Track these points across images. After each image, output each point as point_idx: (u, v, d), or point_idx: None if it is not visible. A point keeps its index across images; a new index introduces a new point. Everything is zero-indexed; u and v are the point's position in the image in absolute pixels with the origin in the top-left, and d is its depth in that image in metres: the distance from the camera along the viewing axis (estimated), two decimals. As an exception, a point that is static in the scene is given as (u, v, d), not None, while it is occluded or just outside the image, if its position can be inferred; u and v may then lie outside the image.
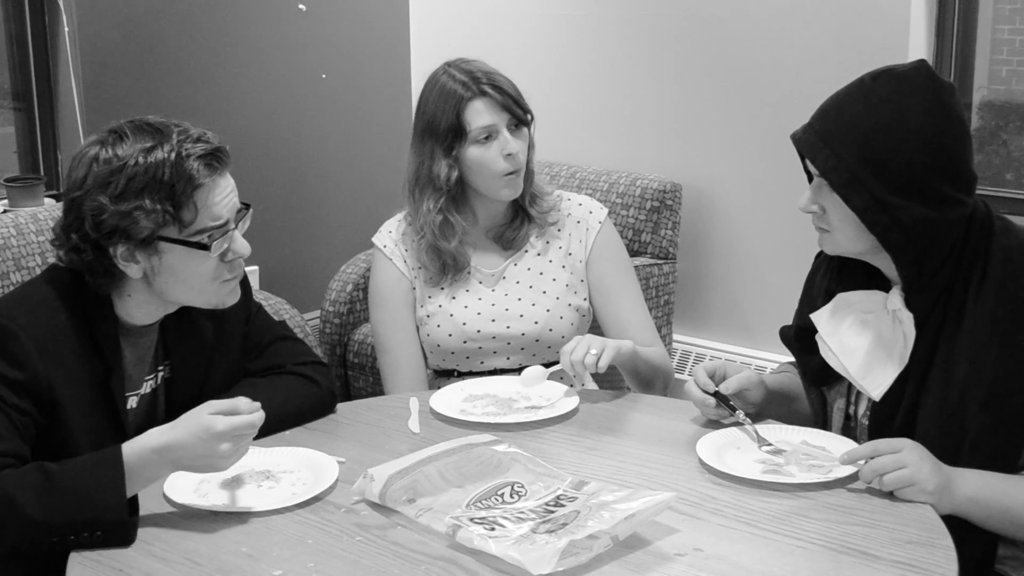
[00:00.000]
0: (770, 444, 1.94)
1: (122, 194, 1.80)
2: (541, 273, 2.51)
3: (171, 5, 3.64)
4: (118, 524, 1.67)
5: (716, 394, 2.04)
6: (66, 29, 3.43)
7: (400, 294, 2.51)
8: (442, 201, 2.45)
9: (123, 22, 3.53)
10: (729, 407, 2.02)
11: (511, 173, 2.43)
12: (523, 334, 2.47)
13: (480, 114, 2.41)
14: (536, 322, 2.47)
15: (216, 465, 1.74)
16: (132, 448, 1.71)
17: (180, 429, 1.72)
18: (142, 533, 1.70)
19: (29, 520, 1.64)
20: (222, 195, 1.87)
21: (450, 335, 2.48)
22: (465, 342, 2.48)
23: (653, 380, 2.41)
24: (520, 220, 2.53)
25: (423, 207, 2.47)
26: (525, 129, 2.47)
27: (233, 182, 1.90)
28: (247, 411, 1.75)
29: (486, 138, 2.41)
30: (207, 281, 1.90)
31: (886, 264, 1.95)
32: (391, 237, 2.55)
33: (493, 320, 2.47)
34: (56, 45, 3.49)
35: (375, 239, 2.56)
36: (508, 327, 2.47)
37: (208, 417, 1.71)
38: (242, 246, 1.92)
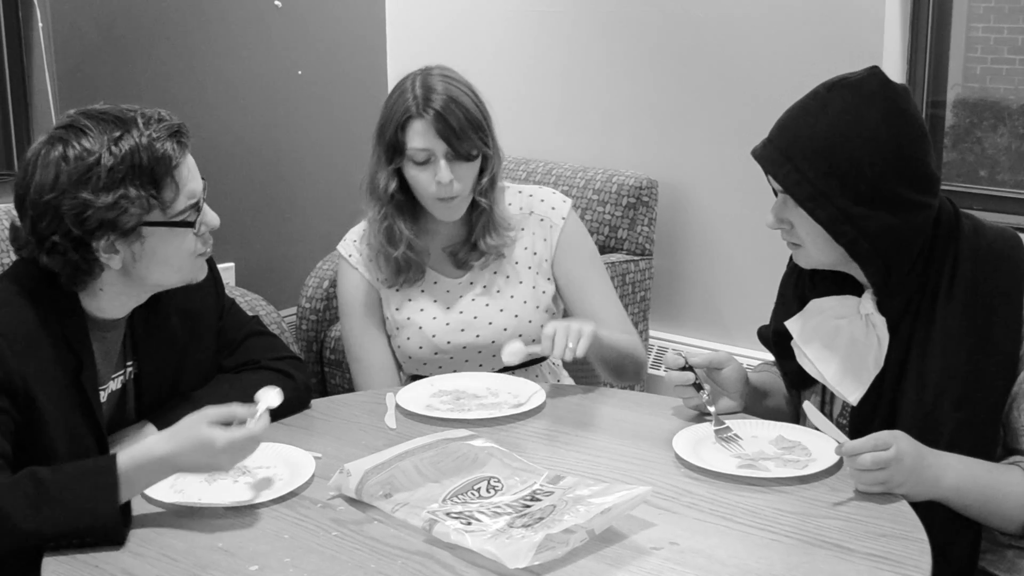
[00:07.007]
0: (723, 424, 1.98)
1: (105, 186, 1.78)
2: (507, 276, 2.47)
3: (146, 0, 3.62)
4: (110, 531, 1.66)
5: (689, 368, 2.06)
6: (40, 24, 3.41)
7: (368, 303, 2.48)
8: (384, 209, 2.41)
9: (98, 17, 3.51)
10: (695, 385, 2.05)
11: (444, 198, 2.36)
12: (493, 342, 2.43)
13: (417, 136, 2.32)
14: (505, 328, 2.44)
15: (220, 469, 1.78)
16: (130, 456, 1.69)
17: (180, 440, 1.71)
18: (118, 529, 1.70)
19: (21, 533, 1.63)
20: (193, 171, 1.89)
21: (420, 347, 2.46)
22: (436, 353, 2.45)
23: (623, 365, 2.38)
24: (472, 247, 2.45)
25: (371, 213, 2.45)
26: (470, 163, 2.35)
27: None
28: (243, 416, 1.76)
29: (425, 161, 2.33)
30: (187, 257, 1.91)
31: (858, 270, 1.96)
32: (356, 247, 2.50)
33: (462, 330, 2.45)
34: (30, 40, 3.47)
35: (340, 247, 2.52)
36: (477, 336, 2.45)
37: (207, 432, 1.70)
38: (213, 217, 1.95)
